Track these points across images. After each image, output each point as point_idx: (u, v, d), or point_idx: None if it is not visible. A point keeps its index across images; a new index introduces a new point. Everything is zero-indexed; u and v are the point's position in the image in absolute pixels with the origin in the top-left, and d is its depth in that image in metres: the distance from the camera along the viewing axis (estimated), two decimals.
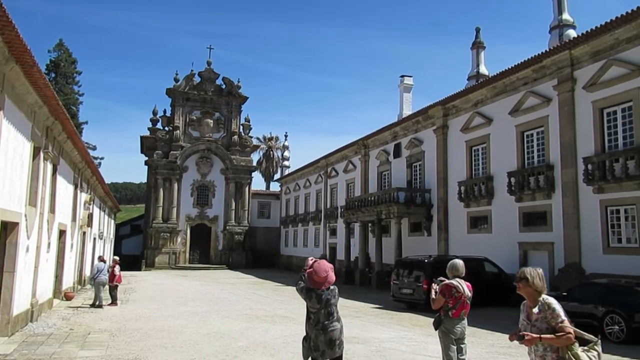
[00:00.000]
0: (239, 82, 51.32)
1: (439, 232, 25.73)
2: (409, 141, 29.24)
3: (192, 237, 48.48)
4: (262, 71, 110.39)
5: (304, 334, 6.06)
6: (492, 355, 10.11)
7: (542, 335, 4.17)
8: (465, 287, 6.64)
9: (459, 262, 6.87)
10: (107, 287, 18.47)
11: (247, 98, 51.50)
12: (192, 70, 49.99)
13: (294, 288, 6.10)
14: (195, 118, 49.65)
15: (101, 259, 19.91)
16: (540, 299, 4.39)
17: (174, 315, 15.96)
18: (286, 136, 64.53)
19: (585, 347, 4.26)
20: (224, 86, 51.10)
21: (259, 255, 50.73)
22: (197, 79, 50.14)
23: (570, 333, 4.11)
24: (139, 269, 43.51)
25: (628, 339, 11.38)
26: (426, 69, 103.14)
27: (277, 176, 63.94)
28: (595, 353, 4.25)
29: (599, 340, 4.33)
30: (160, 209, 46.68)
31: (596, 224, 17.17)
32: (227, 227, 48.84)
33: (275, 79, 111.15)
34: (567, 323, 4.17)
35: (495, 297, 18.13)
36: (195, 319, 15.11)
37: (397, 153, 30.61)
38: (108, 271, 18.80)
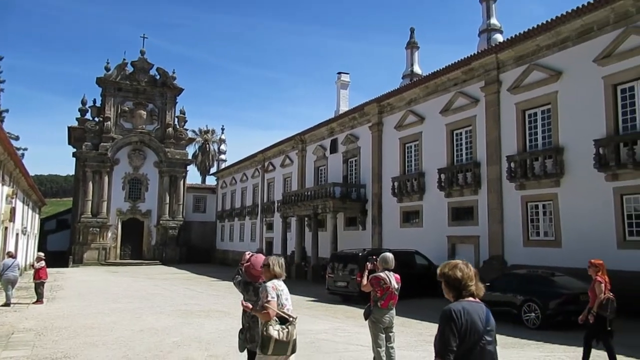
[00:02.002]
0: (174, 73, 50.15)
1: (373, 227, 26.44)
2: (345, 137, 29.79)
3: (123, 232, 46.98)
4: (199, 63, 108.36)
5: (240, 327, 6.18)
6: (419, 343, 10.63)
7: (251, 307, 5.20)
8: (393, 279, 7.00)
9: (389, 256, 7.22)
10: (33, 284, 17.66)
11: (183, 90, 50.43)
12: (124, 59, 48.35)
13: (231, 282, 6.21)
14: (127, 109, 48.03)
15: (10, 255, 18.62)
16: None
17: (105, 312, 15.54)
18: (223, 129, 63.92)
19: (283, 325, 5.02)
20: (158, 77, 49.75)
21: (194, 250, 49.93)
22: (129, 69, 48.49)
23: (267, 311, 4.92)
24: (66, 266, 41.70)
25: (543, 325, 12.29)
26: (363, 66, 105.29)
27: (213, 170, 63.02)
28: (286, 330, 5.00)
29: (295, 320, 5.09)
30: (90, 202, 44.91)
31: (517, 218, 18.31)
32: (161, 222, 47.71)
33: (213, 72, 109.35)
34: (271, 303, 4.95)
35: (425, 288, 18.88)
36: (127, 315, 14.80)
37: (333, 149, 31.09)
38: (18, 268, 17.89)
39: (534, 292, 12.80)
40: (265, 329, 4.92)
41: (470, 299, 3.23)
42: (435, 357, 3.07)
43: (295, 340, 5.08)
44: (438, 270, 3.41)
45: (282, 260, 5.44)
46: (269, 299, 5.00)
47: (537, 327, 12.32)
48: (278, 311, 5.00)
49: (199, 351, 9.82)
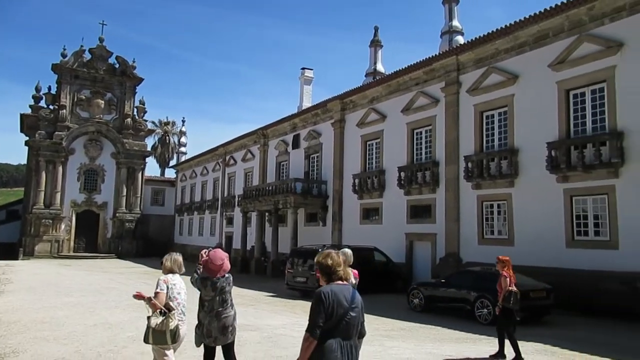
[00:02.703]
0: (134, 62, 48.92)
1: (333, 223, 26.62)
2: (308, 133, 29.84)
3: (77, 224, 45.61)
4: (160, 53, 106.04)
5: (197, 322, 6.16)
6: (376, 338, 10.81)
7: (148, 297, 5.51)
8: (350, 275, 7.08)
9: (348, 251, 7.30)
10: None
11: (143, 79, 49.30)
12: (81, 46, 46.79)
13: (189, 277, 6.17)
14: (84, 97, 46.56)
15: None
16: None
17: (57, 306, 15.11)
18: (183, 121, 62.94)
19: (163, 317, 5.45)
20: (117, 65, 48.42)
21: (151, 243, 48.95)
22: (87, 56, 46.99)
23: (152, 301, 5.40)
24: (16, 258, 40.18)
25: (494, 321, 12.66)
26: (327, 63, 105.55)
27: (172, 162, 61.92)
28: (164, 322, 5.44)
29: (172, 314, 5.50)
30: (42, 193, 43.38)
31: (473, 217, 18.82)
32: (117, 214, 46.58)
33: (175, 62, 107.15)
34: (159, 296, 5.51)
35: (383, 284, 19.29)
36: (80, 309, 14.43)
37: (295, 144, 31.10)
38: None
39: (487, 289, 13.14)
40: (148, 319, 5.42)
41: (339, 282, 3.90)
42: (305, 332, 3.72)
43: (173, 331, 5.46)
44: (315, 259, 4.06)
45: (178, 256, 6.00)
46: (158, 291, 5.55)
47: (490, 323, 12.66)
48: (159, 305, 5.43)
49: None
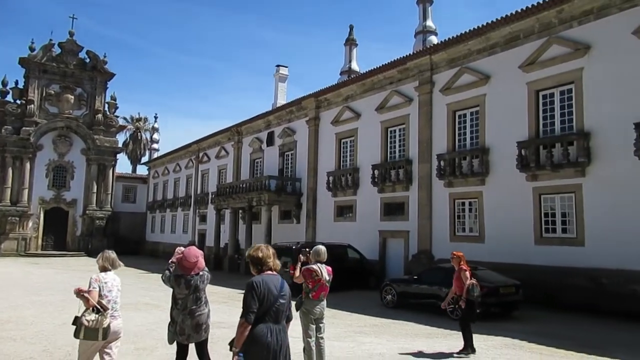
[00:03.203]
0: (105, 57, 47.90)
1: (307, 220, 26.66)
2: (282, 130, 29.79)
3: (46, 221, 44.50)
4: (133, 48, 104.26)
5: (169, 320, 6.12)
6: (349, 334, 10.91)
7: (82, 290, 5.67)
8: (324, 271, 7.16)
9: (322, 248, 7.36)
10: None
11: (114, 75, 48.36)
12: (50, 40, 45.56)
13: (160, 277, 6.13)
14: (53, 92, 45.38)
15: None
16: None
17: (24, 305, 14.77)
18: (156, 118, 61.88)
19: (96, 314, 5.57)
20: (88, 60, 47.33)
21: (122, 241, 48.04)
22: (56, 50, 45.84)
23: (85, 297, 5.58)
24: None
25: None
26: (301, 60, 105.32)
27: (145, 159, 61.01)
28: (97, 319, 5.55)
29: (106, 312, 5.60)
30: (9, 190, 42.18)
31: (445, 214, 19.09)
32: (87, 212, 45.63)
33: (147, 58, 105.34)
34: (92, 293, 5.64)
35: (357, 281, 19.42)
36: (49, 308, 14.14)
37: (270, 141, 31.02)
38: None
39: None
40: (81, 315, 5.56)
41: (269, 272, 4.40)
42: (240, 317, 4.17)
43: (105, 328, 5.57)
44: (246, 253, 4.61)
45: (110, 254, 6.13)
46: (90, 289, 5.69)
47: (460, 318, 12.89)
48: (93, 302, 5.56)
49: (126, 344, 9.56)
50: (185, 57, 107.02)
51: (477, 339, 10.55)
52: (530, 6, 16.20)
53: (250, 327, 4.14)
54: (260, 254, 4.44)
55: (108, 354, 5.89)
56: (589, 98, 15.00)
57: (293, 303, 4.97)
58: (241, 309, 4.21)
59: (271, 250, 4.51)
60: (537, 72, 16.40)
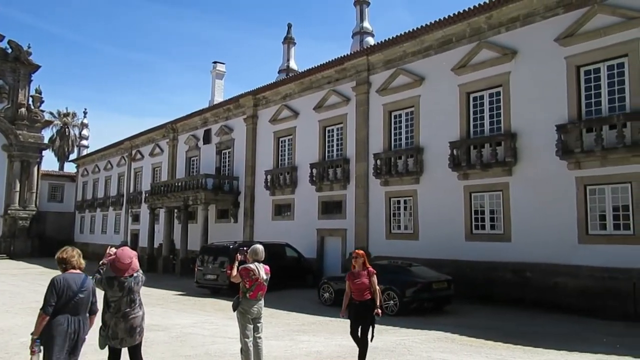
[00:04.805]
0: (29, 47, 45.25)
1: (245, 219, 26.41)
2: (220, 128, 29.34)
3: None
4: (61, 39, 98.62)
5: (101, 324, 5.88)
6: (287, 333, 10.91)
7: None
8: (262, 271, 7.11)
9: (259, 247, 7.30)
10: None
11: (39, 67, 45.81)
12: None
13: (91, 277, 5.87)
14: None
15: None
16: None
17: None
18: (85, 113, 58.99)
19: None
20: (10, 50, 44.55)
21: (48, 242, 45.51)
22: None
23: None
24: None
25: (400, 312, 13.25)
26: (239, 57, 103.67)
27: (73, 156, 58.14)
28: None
29: None
30: None
31: (381, 212, 19.50)
32: (9, 212, 42.97)
33: (77, 50, 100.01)
34: None
35: (295, 279, 19.47)
36: None
37: (206, 139, 30.47)
38: None
39: (393, 281, 13.71)
40: None
41: (72, 270, 5.14)
42: (40, 310, 4.89)
43: None
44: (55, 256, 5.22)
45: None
46: None
47: (396, 314, 13.23)
48: None
49: None
50: (118, 51, 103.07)
51: (412, 334, 10.88)
52: (461, 11, 16.83)
53: (48, 317, 4.88)
54: (64, 255, 5.19)
55: None
56: (516, 101, 15.78)
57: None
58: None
59: (76, 252, 5.29)
60: (468, 75, 17.07)
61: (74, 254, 5.21)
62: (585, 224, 13.94)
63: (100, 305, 5.77)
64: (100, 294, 5.68)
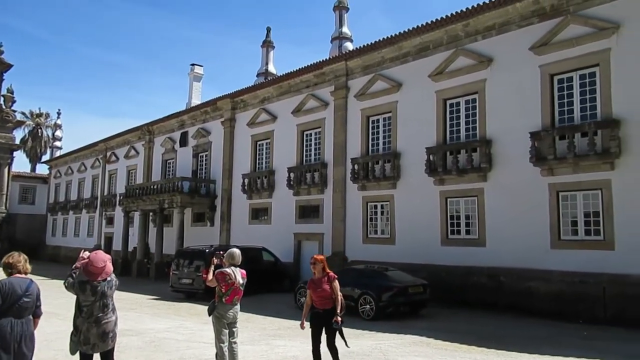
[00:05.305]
0: (0, 46, 44.24)
1: (221, 223, 26.21)
2: (197, 131, 29.10)
3: None
4: (34, 39, 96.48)
5: (72, 329, 5.76)
6: (263, 338, 10.85)
7: None
8: (238, 275, 7.06)
9: (236, 251, 7.25)
10: None
11: (11, 65, 44.75)
12: None
13: (62, 283, 5.75)
14: None
15: None
16: None
17: None
18: (59, 113, 57.78)
19: None
20: None
21: (18, 245, 44.00)
22: None
23: None
24: None
25: (377, 316, 13.30)
26: (217, 60, 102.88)
27: (45, 157, 56.96)
28: None
29: None
30: None
31: (358, 217, 19.56)
32: None
33: (51, 50, 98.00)
34: None
35: (272, 284, 19.38)
36: None
37: (183, 142, 30.18)
38: None
39: (369, 286, 13.77)
40: None
41: (18, 275, 5.26)
42: None
43: None
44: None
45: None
46: None
47: (372, 318, 13.28)
48: None
49: None
50: (93, 51, 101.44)
51: (388, 338, 10.92)
52: (439, 18, 17.04)
53: None
54: (10, 260, 5.34)
55: None
56: (491, 107, 16.03)
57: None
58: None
59: (22, 257, 5.43)
60: (445, 81, 17.27)
61: (20, 259, 5.37)
62: (557, 230, 14.22)
63: (68, 309, 5.65)
64: (70, 298, 5.57)
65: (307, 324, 7.28)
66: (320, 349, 7.11)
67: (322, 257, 7.37)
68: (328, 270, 7.14)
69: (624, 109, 13.19)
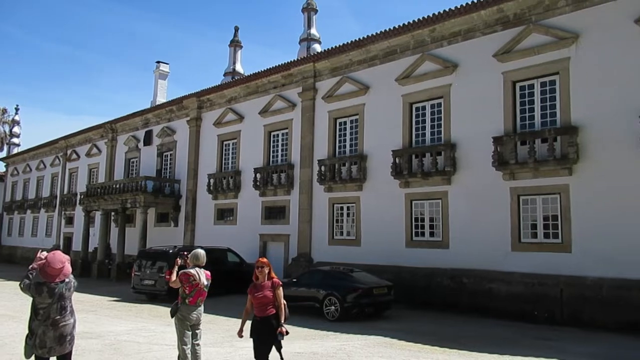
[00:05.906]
0: None
1: (186, 223, 25.85)
2: (162, 130, 28.63)
3: None
4: None
5: (27, 332, 5.57)
6: (226, 339, 10.74)
7: None
8: (203, 276, 6.98)
9: (201, 252, 7.17)
10: None
11: None
12: None
13: (17, 284, 5.56)
14: None
15: None
16: None
17: None
18: (17, 110, 55.89)
19: None
20: None
21: None
22: None
23: None
24: None
25: (341, 317, 13.34)
26: (183, 58, 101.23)
27: (2, 154, 54.93)
28: None
29: None
30: None
31: (325, 218, 19.61)
32: None
33: (7, 43, 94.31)
34: None
35: (236, 285, 19.14)
36: None
37: (147, 140, 29.64)
38: None
39: (334, 287, 13.81)
40: None
41: None
42: None
43: None
44: None
45: None
46: None
47: (337, 319, 13.32)
48: None
49: None
50: (53, 45, 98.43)
51: (352, 339, 10.98)
52: (406, 23, 17.26)
53: None
54: None
55: None
56: (456, 112, 16.33)
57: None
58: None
59: None
60: (412, 85, 17.50)
61: None
62: (518, 232, 14.59)
63: (24, 312, 5.47)
64: (26, 300, 5.39)
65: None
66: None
67: (267, 261, 6.74)
68: (273, 275, 6.60)
69: (582, 116, 13.65)
